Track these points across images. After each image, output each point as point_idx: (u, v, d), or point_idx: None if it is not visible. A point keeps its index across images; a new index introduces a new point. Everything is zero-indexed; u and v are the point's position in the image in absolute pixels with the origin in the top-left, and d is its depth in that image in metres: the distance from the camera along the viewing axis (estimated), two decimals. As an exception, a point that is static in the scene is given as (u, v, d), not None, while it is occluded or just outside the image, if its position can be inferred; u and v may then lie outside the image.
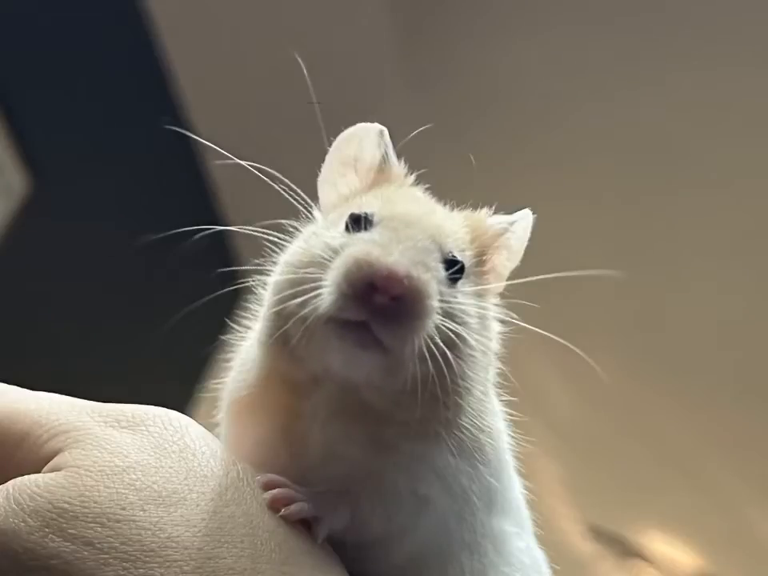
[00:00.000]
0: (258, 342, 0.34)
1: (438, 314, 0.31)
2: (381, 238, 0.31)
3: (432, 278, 0.31)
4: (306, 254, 0.33)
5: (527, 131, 1.35)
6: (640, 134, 1.28)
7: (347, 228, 0.33)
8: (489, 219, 0.36)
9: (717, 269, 1.39)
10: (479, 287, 0.34)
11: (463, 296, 0.33)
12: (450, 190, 0.37)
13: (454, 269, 0.33)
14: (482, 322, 0.33)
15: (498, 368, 0.36)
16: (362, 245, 0.31)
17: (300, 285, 0.31)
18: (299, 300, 0.31)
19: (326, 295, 0.30)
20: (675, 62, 1.21)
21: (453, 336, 0.31)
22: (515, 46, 1.28)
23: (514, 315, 0.36)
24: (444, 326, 0.31)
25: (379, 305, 0.29)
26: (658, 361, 1.53)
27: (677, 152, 1.28)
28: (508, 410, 0.36)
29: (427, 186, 0.37)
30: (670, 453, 1.63)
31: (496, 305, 0.36)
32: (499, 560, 0.34)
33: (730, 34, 1.16)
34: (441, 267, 0.32)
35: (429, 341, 0.30)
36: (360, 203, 0.35)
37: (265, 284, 0.35)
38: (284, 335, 0.32)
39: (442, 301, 0.31)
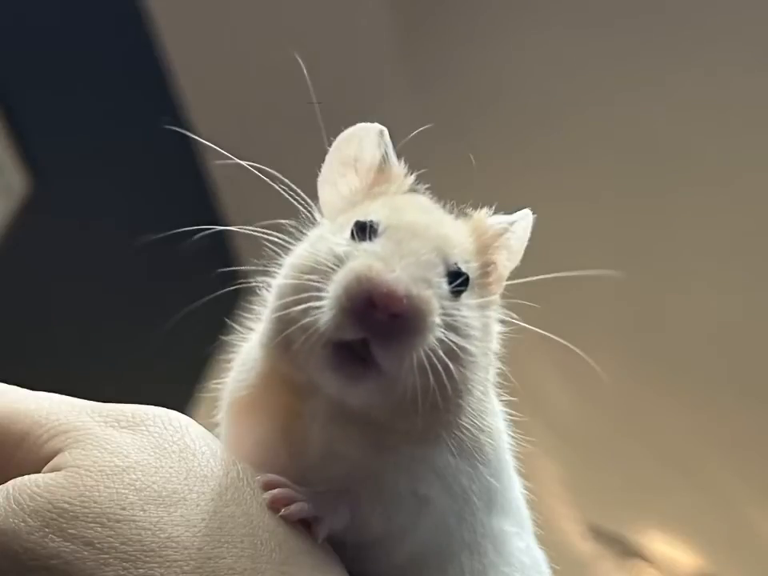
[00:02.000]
0: (260, 343, 0.34)
1: (440, 327, 0.30)
2: (383, 251, 0.31)
3: (433, 295, 0.30)
4: (311, 259, 0.32)
5: (527, 131, 1.35)
6: (640, 134, 1.28)
7: (353, 235, 0.33)
8: (489, 219, 0.36)
9: (717, 269, 1.39)
10: (483, 299, 0.34)
11: (467, 309, 0.32)
12: (450, 190, 0.37)
13: (458, 281, 0.32)
14: (485, 330, 0.33)
15: (498, 368, 0.36)
16: (364, 258, 0.31)
17: (303, 291, 0.31)
18: (301, 307, 0.31)
19: (326, 310, 0.30)
20: (675, 62, 1.21)
21: (455, 348, 0.31)
22: (515, 46, 1.28)
23: (514, 315, 0.35)
24: (446, 338, 0.30)
25: (378, 322, 0.29)
26: (657, 361, 1.53)
27: (677, 152, 1.28)
28: (508, 409, 0.36)
29: (427, 186, 0.37)
30: (670, 453, 1.63)
31: (496, 305, 0.36)
32: (499, 560, 0.34)
33: (729, 34, 1.16)
34: (444, 282, 0.32)
35: (430, 353, 0.30)
36: (366, 210, 0.34)
37: (269, 286, 0.35)
38: (286, 339, 0.32)
39: (445, 314, 0.31)
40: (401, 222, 0.33)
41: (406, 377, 0.30)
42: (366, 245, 0.32)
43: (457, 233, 0.35)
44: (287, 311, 0.31)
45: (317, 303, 0.30)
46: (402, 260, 0.30)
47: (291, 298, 0.31)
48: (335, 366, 0.30)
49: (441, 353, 0.30)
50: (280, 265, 0.35)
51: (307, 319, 0.30)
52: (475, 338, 0.32)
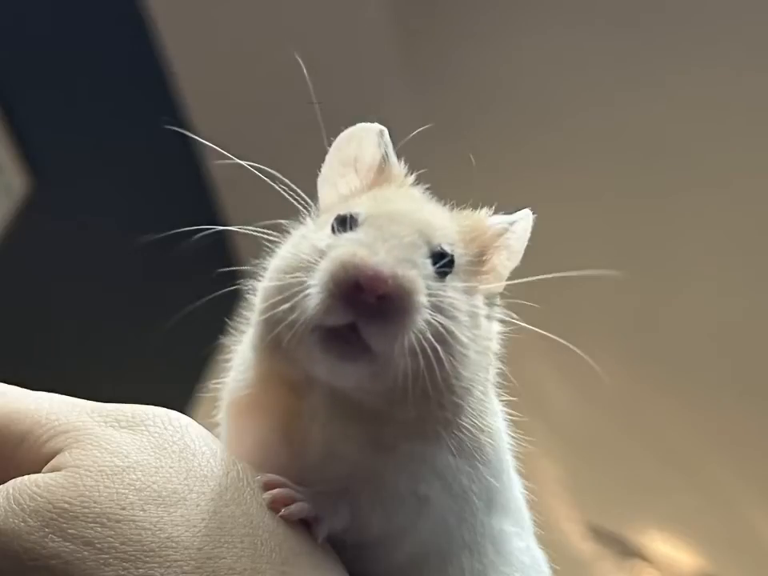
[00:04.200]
0: (252, 346, 0.34)
1: (427, 308, 0.30)
2: (366, 237, 0.31)
3: (418, 275, 0.30)
4: (294, 258, 0.33)
5: (527, 131, 1.35)
6: (640, 134, 1.28)
7: (333, 230, 0.33)
8: (489, 219, 0.36)
9: (717, 269, 1.39)
10: (469, 284, 0.34)
11: (452, 290, 0.32)
12: (450, 190, 0.37)
13: (443, 262, 0.32)
14: (473, 319, 0.33)
15: (498, 368, 0.36)
16: (347, 245, 0.31)
17: (287, 290, 0.31)
18: (287, 306, 0.31)
19: (313, 296, 0.30)
20: (675, 62, 1.21)
21: (442, 330, 0.31)
22: (515, 47, 1.28)
23: (514, 315, 0.35)
24: (433, 320, 0.30)
25: (366, 304, 0.29)
26: (658, 361, 1.53)
27: (677, 152, 1.28)
28: (508, 409, 0.36)
29: (427, 186, 0.37)
30: (671, 453, 1.63)
31: (496, 305, 0.36)
32: (499, 560, 0.34)
33: (730, 34, 1.16)
34: (428, 262, 0.32)
35: (419, 336, 0.30)
36: (347, 204, 0.35)
37: (255, 290, 0.35)
38: (275, 339, 0.32)
39: (430, 295, 0.31)
40: (381, 211, 0.33)
41: (397, 360, 0.30)
42: (347, 234, 0.32)
43: (439, 217, 0.35)
44: (273, 312, 0.31)
45: (301, 296, 0.30)
46: (386, 243, 0.30)
47: (276, 299, 0.31)
48: (325, 348, 0.30)
49: (429, 335, 0.30)
50: (265, 268, 0.35)
51: (293, 315, 0.30)
52: (461, 321, 0.32)
